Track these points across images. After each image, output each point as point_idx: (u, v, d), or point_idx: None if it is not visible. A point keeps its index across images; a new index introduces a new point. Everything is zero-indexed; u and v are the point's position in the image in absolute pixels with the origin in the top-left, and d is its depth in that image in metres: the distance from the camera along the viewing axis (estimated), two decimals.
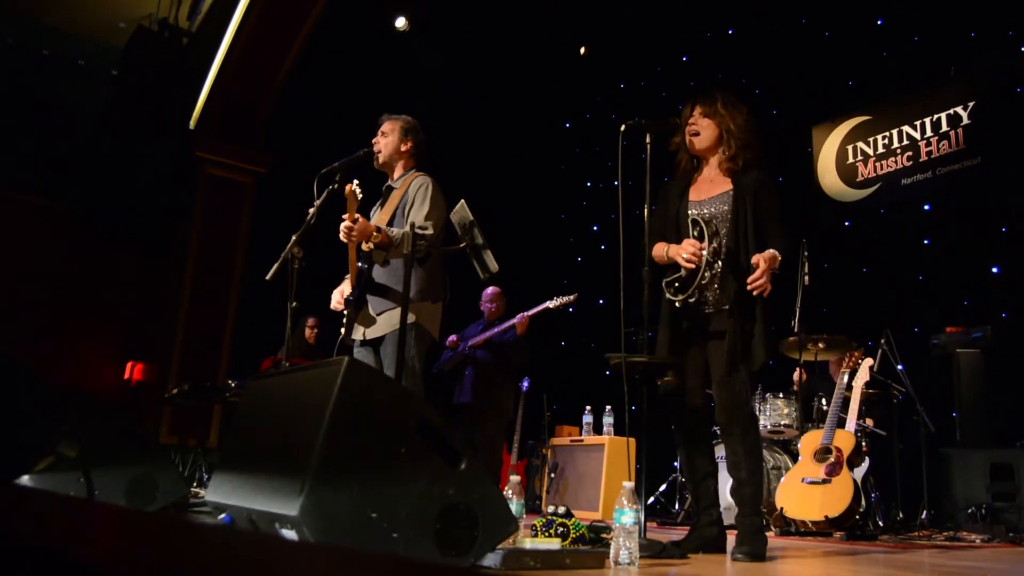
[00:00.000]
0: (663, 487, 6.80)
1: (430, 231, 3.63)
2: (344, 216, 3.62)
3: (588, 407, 6.46)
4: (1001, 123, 6.46)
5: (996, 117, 6.52)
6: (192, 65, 9.24)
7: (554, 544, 2.49)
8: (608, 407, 6.28)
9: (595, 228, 10.26)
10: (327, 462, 1.98)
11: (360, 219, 3.61)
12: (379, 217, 3.85)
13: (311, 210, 3.90)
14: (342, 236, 3.64)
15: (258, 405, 2.55)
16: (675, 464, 6.68)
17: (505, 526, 2.19)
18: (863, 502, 4.65)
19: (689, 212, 3.28)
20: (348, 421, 2.03)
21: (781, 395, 5.90)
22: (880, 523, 5.15)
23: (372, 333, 3.72)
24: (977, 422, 5.50)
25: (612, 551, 2.42)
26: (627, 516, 2.39)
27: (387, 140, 3.98)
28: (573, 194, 10.55)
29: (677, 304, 3.15)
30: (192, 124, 9.20)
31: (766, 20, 8.29)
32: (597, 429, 6.33)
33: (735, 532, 3.19)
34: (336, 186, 3.89)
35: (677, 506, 6.39)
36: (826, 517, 4.47)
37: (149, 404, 8.61)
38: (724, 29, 8.93)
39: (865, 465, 5.00)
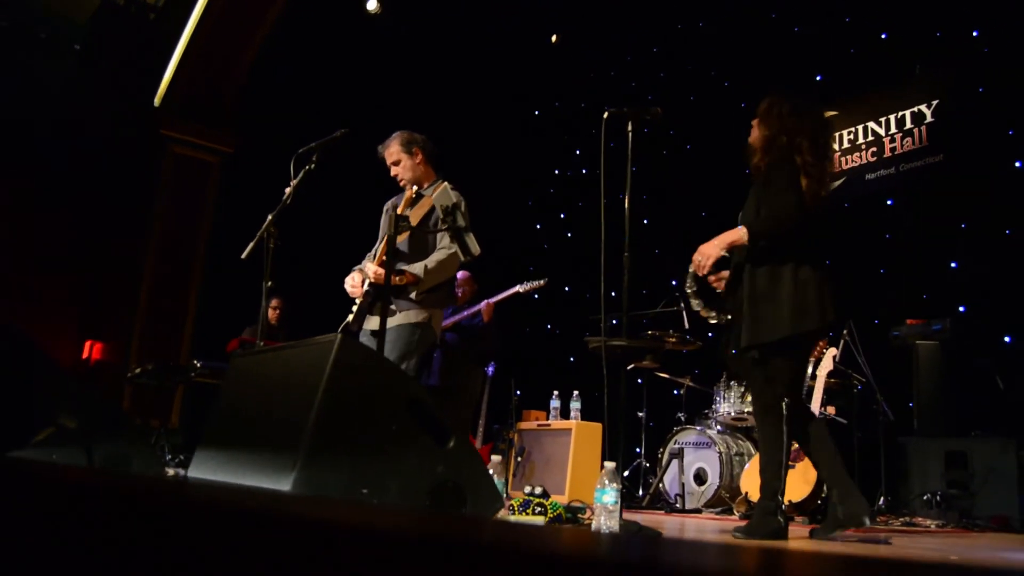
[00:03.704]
0: (626, 472, 6.90)
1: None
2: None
3: (556, 392, 6.52)
4: (963, 122, 6.61)
5: (959, 116, 6.67)
6: (159, 41, 9.08)
7: (538, 523, 2.53)
8: (576, 392, 6.34)
9: (561, 216, 10.31)
10: (320, 438, 2.00)
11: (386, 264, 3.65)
12: (409, 217, 3.79)
13: (287, 189, 3.88)
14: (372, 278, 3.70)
15: (244, 382, 2.55)
16: (637, 450, 6.79)
17: (492, 503, 2.23)
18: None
19: None
20: (340, 398, 2.05)
21: (744, 383, 6.01)
22: None
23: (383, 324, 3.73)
24: (934, 412, 5.65)
25: (592, 530, 2.47)
26: (608, 495, 2.44)
27: (401, 166, 3.96)
28: (540, 181, 10.58)
29: None
30: (157, 101, 9.05)
31: (737, 14, 8.38)
32: (564, 414, 6.39)
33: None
34: (313, 166, 3.89)
35: (641, 491, 6.49)
36: (790, 502, 4.58)
37: (109, 384, 8.49)
38: (695, 22, 9.01)
39: None
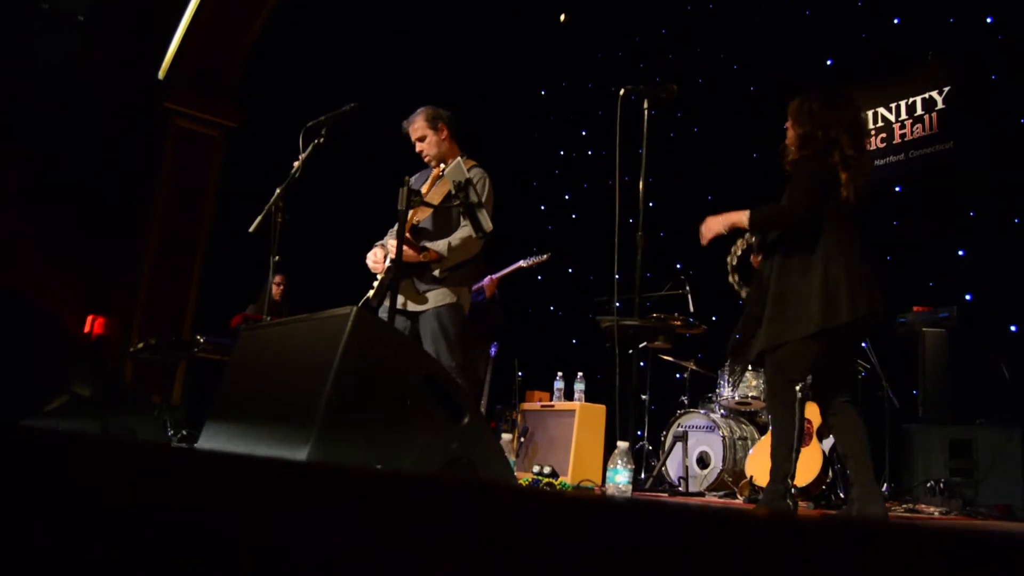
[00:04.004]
0: None
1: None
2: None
3: (560, 373, 6.51)
4: (975, 109, 6.56)
5: (970, 103, 6.62)
6: (163, 12, 9.00)
7: None
8: (580, 374, 6.33)
9: (567, 197, 10.27)
10: (334, 412, 1.97)
11: (409, 240, 3.58)
12: (431, 194, 3.74)
13: (296, 163, 3.86)
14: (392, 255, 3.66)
15: (254, 355, 2.53)
16: (640, 433, 6.78)
17: (505, 480, 2.22)
18: (831, 473, 4.76)
19: None
20: (355, 371, 2.03)
21: (749, 368, 5.99)
22: (842, 494, 5.28)
23: (414, 307, 3.69)
24: (939, 400, 5.63)
25: None
26: (621, 475, 2.43)
27: (427, 142, 3.93)
28: (545, 162, 10.53)
29: None
30: (161, 74, 8.98)
31: None
32: (568, 395, 6.38)
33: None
34: (322, 140, 3.87)
35: (643, 473, 6.48)
36: (795, 487, 4.56)
37: (111, 359, 8.48)
38: (705, 3, 8.93)
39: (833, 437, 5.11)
